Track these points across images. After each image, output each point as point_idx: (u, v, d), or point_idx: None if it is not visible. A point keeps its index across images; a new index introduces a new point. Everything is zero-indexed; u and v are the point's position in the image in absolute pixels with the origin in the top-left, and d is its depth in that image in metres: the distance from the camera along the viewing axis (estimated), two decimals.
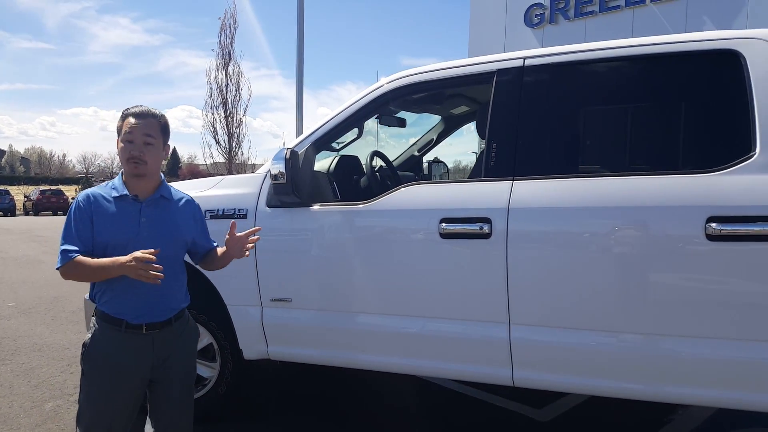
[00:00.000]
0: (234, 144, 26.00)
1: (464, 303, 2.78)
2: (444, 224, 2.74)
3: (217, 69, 25.75)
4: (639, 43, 2.70)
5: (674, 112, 2.86)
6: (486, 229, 2.66)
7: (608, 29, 11.80)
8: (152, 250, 1.98)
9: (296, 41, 11.14)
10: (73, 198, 37.40)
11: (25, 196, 38.78)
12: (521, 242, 2.63)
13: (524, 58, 2.86)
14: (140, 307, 2.13)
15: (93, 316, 2.21)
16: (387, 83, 3.17)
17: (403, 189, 2.96)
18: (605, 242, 2.55)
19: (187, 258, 2.36)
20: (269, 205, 3.16)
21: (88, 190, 2.18)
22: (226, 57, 25.74)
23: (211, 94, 25.82)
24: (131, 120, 2.13)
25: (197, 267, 2.52)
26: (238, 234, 2.27)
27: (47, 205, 35.64)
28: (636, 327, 2.50)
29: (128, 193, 2.15)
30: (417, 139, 4.96)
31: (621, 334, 2.53)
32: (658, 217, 2.44)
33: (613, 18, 12.09)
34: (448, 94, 4.07)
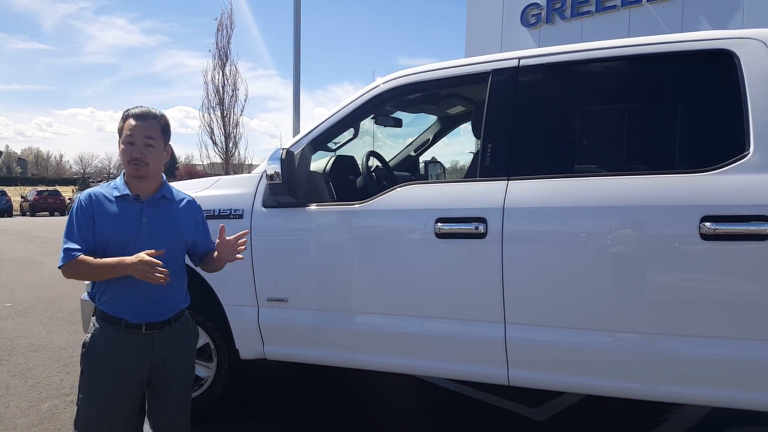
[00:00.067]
0: (231, 144, 26.03)
1: (460, 302, 2.79)
2: (440, 224, 2.75)
3: (214, 70, 25.78)
4: (633, 44, 2.71)
5: (669, 112, 2.87)
6: (481, 228, 2.66)
7: (605, 29, 11.81)
8: (155, 251, 2.01)
9: (293, 41, 11.14)
10: (70, 199, 37.45)
11: (22, 197, 38.73)
12: (516, 242, 2.63)
13: (519, 59, 2.87)
14: (140, 307, 2.13)
15: (93, 316, 2.21)
16: (383, 83, 3.17)
17: (398, 189, 2.97)
18: (600, 242, 2.56)
19: (186, 260, 2.36)
20: (265, 205, 3.17)
21: (90, 190, 2.20)
22: (222, 58, 25.77)
23: (207, 94, 25.88)
24: (132, 122, 2.14)
25: (195, 268, 2.52)
26: (228, 237, 2.25)
27: (44, 205, 35.61)
28: (631, 326, 2.51)
29: (129, 193, 2.16)
30: (413, 139, 4.97)
31: (616, 333, 2.54)
32: (653, 217, 2.45)
33: (609, 18, 12.10)
34: (444, 94, 4.08)
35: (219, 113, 25.78)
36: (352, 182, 3.86)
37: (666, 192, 2.43)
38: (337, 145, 3.92)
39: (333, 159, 3.83)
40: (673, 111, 2.85)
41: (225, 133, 25.90)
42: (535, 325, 2.65)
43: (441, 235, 2.75)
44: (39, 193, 37.05)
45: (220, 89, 25.76)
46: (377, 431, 3.48)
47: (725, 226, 2.30)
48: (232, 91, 25.87)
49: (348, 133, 3.86)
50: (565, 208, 2.58)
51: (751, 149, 2.36)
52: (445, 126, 4.84)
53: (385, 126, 4.37)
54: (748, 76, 2.43)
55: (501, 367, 2.73)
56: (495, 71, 2.89)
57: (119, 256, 2.07)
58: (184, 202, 2.32)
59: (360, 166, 3.91)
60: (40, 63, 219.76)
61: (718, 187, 2.36)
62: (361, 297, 3.03)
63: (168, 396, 2.26)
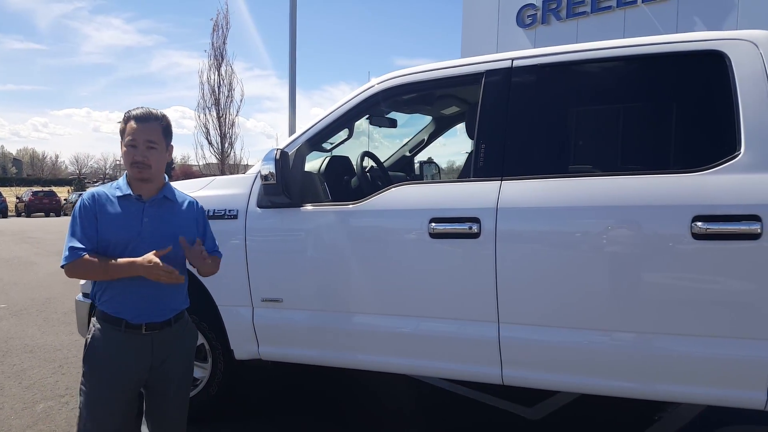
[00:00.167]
0: (227, 145, 25.95)
1: (454, 302, 2.80)
2: (434, 224, 2.76)
3: (210, 70, 25.66)
4: (625, 44, 2.73)
5: (661, 112, 2.89)
6: (475, 228, 2.67)
7: (600, 30, 11.84)
8: (161, 251, 2.05)
9: (289, 42, 11.15)
10: (65, 199, 37.33)
11: (18, 198, 38.63)
12: (510, 242, 2.65)
13: (512, 59, 2.88)
14: (140, 307, 2.14)
15: (93, 316, 2.22)
16: (378, 84, 3.18)
17: (393, 189, 2.97)
18: (593, 241, 2.57)
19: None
20: (260, 205, 3.17)
21: (93, 189, 2.22)
22: (218, 58, 25.66)
23: (203, 95, 25.74)
24: (133, 124, 2.14)
25: (189, 268, 2.51)
26: (191, 247, 2.20)
27: (39, 206, 35.50)
28: (625, 325, 2.52)
29: (132, 193, 2.18)
30: (408, 139, 4.98)
31: (610, 332, 2.55)
32: (645, 217, 2.47)
33: (605, 18, 12.12)
34: (439, 95, 4.09)
35: (215, 113, 25.67)
36: (347, 182, 3.86)
37: (658, 192, 2.45)
38: (332, 145, 3.92)
39: (328, 159, 3.83)
40: (665, 111, 2.87)
41: (221, 133, 25.81)
42: (529, 325, 2.66)
43: (435, 235, 2.76)
44: (34, 193, 36.95)
45: (216, 89, 25.67)
46: (374, 430, 3.49)
47: (717, 226, 2.32)
48: (228, 92, 25.78)
49: (343, 134, 3.87)
50: (557, 208, 2.59)
51: (742, 149, 2.37)
52: (440, 126, 4.85)
53: (380, 126, 4.38)
54: (739, 76, 2.45)
55: (495, 367, 2.74)
56: (488, 72, 2.91)
57: (120, 255, 2.09)
58: (187, 203, 2.33)
59: (355, 167, 3.91)
60: (35, 63, 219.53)
61: (709, 187, 2.37)
62: (356, 297, 3.03)
63: (166, 396, 2.27)
